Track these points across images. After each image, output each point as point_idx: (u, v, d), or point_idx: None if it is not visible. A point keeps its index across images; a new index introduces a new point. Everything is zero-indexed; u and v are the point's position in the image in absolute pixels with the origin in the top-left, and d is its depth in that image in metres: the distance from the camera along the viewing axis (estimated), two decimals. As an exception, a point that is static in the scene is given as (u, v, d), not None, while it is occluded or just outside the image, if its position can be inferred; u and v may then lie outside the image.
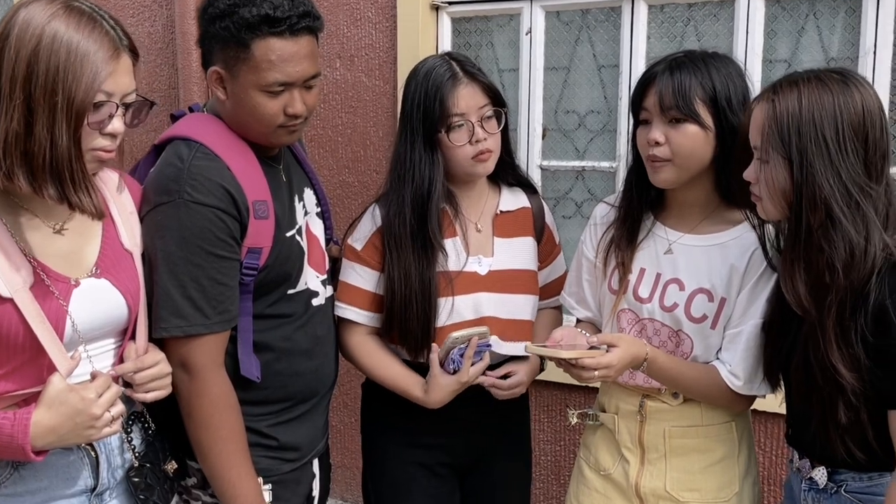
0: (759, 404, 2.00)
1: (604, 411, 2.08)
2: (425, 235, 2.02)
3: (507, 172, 2.19)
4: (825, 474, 1.72)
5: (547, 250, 2.26)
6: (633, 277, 1.97)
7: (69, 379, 1.50)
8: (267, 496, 1.87)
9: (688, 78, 1.80)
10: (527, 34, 3.33)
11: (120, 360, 1.65)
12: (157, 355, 1.66)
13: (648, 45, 3.14)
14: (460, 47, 3.49)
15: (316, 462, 2.05)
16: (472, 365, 2.01)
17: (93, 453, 1.62)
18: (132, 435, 1.71)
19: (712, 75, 1.80)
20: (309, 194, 2.04)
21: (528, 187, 2.25)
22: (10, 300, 1.46)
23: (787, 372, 1.78)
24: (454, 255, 2.08)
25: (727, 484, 1.96)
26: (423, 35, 3.45)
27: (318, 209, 2.07)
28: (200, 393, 1.75)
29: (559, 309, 2.33)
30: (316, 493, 2.07)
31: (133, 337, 1.68)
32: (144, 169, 1.88)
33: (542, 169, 3.40)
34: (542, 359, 2.15)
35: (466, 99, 1.99)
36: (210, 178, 1.74)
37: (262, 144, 1.86)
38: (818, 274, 1.58)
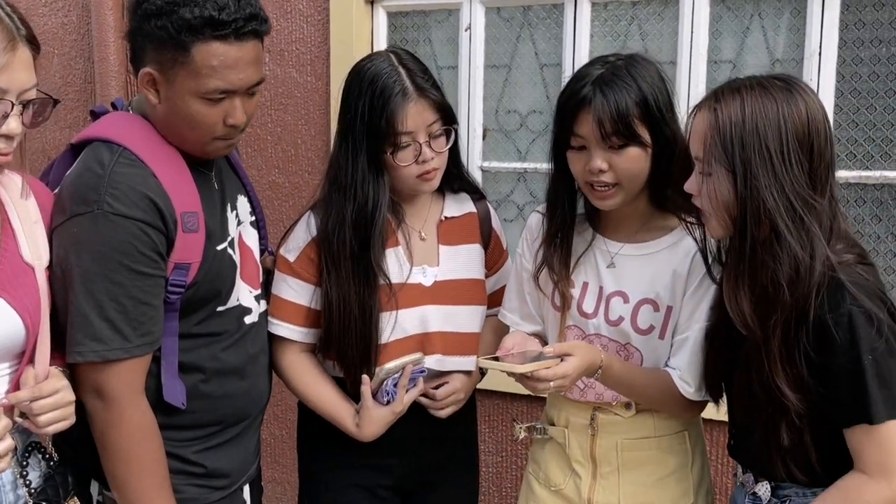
0: (704, 412, 1.98)
1: (553, 424, 2.04)
2: (368, 261, 1.93)
3: (453, 181, 2.11)
4: (769, 489, 1.70)
5: (494, 257, 2.20)
6: (576, 292, 1.93)
7: None
8: None
9: (623, 98, 1.74)
10: (466, 30, 3.29)
11: (16, 386, 1.52)
12: (59, 382, 1.53)
13: (592, 43, 3.10)
14: (397, 43, 3.41)
15: (247, 488, 1.96)
16: (407, 392, 1.95)
17: None
18: (28, 469, 1.57)
19: (642, 87, 1.76)
20: (243, 202, 1.94)
21: (474, 192, 2.17)
22: None
23: (730, 384, 1.76)
24: (397, 267, 2.01)
25: (682, 496, 1.94)
26: (358, 29, 3.38)
27: (252, 218, 1.97)
28: (117, 423, 1.65)
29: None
30: (247, 521, 1.97)
31: (32, 361, 1.54)
32: (59, 171, 1.75)
33: (483, 171, 3.36)
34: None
35: (415, 117, 1.89)
36: (134, 187, 1.62)
37: (194, 155, 1.75)
38: (763, 291, 1.55)
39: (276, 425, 3.73)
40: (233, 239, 1.84)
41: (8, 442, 1.42)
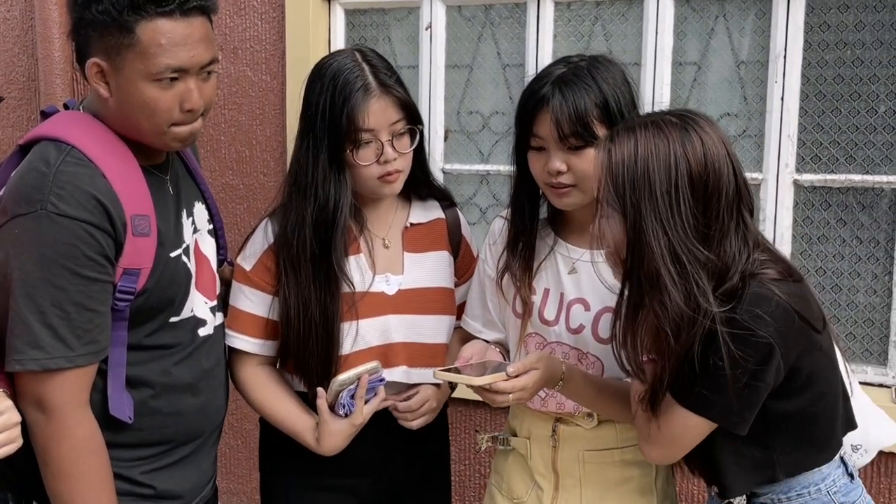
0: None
1: (515, 435, 2.01)
2: (329, 264, 1.86)
3: (420, 187, 2.05)
4: (743, 498, 1.69)
5: (464, 266, 2.13)
6: (537, 299, 1.90)
7: None
8: None
9: (581, 99, 1.71)
10: (427, 29, 3.23)
11: None
12: (1, 403, 1.45)
13: (555, 43, 3.06)
14: (355, 41, 3.35)
15: None
16: (366, 403, 1.87)
17: None
18: None
19: (602, 88, 1.73)
20: (200, 209, 1.85)
21: (443, 199, 2.12)
22: None
23: None
24: (358, 275, 1.93)
25: (645, 507, 1.90)
26: (314, 27, 3.31)
27: (210, 226, 1.89)
28: (59, 437, 1.57)
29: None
30: (201, 544, 1.88)
31: None
32: (6, 172, 1.68)
33: (445, 173, 3.31)
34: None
35: (377, 115, 1.83)
36: (80, 186, 1.55)
37: (154, 147, 1.68)
38: (655, 335, 1.53)
39: (231, 436, 3.64)
40: (188, 246, 1.77)
41: None
